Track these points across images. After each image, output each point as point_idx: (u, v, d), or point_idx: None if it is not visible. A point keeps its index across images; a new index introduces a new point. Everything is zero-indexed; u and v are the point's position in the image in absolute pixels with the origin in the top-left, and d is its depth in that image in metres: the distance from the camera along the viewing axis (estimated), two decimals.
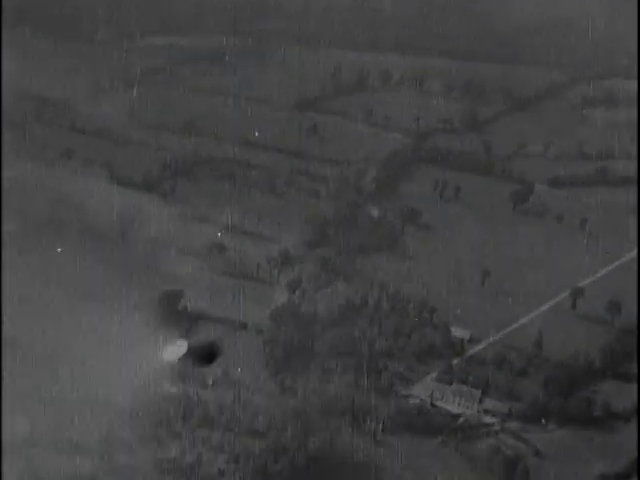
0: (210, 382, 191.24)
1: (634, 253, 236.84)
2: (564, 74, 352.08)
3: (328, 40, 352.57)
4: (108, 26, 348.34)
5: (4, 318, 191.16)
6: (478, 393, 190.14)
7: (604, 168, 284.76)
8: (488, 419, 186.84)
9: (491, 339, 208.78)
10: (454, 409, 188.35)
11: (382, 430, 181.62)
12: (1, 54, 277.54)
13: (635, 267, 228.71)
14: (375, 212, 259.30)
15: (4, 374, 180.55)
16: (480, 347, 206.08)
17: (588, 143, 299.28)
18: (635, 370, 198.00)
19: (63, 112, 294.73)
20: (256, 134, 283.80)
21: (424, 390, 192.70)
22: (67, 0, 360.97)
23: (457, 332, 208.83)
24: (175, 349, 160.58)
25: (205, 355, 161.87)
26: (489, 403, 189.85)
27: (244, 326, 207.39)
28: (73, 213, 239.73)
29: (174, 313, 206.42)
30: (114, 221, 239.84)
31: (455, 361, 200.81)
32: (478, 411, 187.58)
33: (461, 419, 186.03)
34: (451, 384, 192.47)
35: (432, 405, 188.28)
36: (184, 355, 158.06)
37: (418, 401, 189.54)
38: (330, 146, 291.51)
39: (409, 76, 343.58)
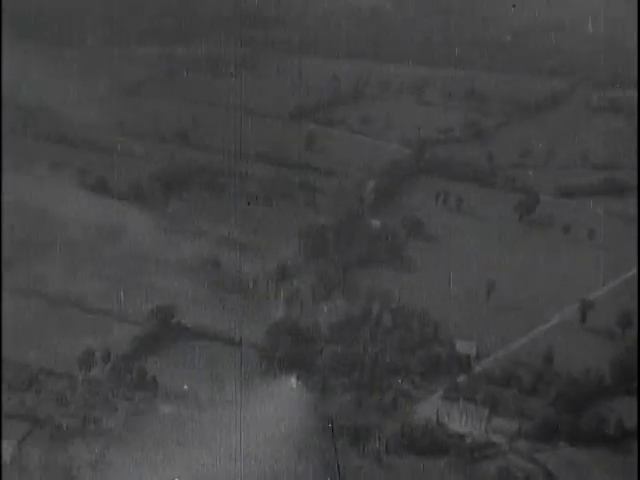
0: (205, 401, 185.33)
1: None
2: (565, 81, 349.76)
3: (326, 49, 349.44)
4: (100, 34, 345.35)
5: None
6: (486, 411, 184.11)
7: (611, 177, 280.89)
8: (496, 438, 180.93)
9: (498, 354, 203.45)
10: (461, 428, 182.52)
11: (386, 450, 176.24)
12: (1, 56, 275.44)
13: None
14: (376, 224, 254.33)
15: None
16: (487, 363, 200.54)
17: (594, 152, 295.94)
18: None
19: (52, 122, 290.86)
20: None
21: (429, 408, 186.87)
22: (58, 9, 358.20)
23: (462, 347, 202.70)
24: None
25: None
26: (497, 422, 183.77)
27: (240, 342, 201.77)
28: (61, 226, 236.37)
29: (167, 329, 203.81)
30: (104, 234, 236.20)
31: (461, 378, 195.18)
32: (486, 430, 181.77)
33: (468, 439, 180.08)
34: (458, 402, 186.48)
35: (438, 424, 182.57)
36: None
37: (423, 420, 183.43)
38: (328, 156, 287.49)
39: (409, 85, 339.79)
